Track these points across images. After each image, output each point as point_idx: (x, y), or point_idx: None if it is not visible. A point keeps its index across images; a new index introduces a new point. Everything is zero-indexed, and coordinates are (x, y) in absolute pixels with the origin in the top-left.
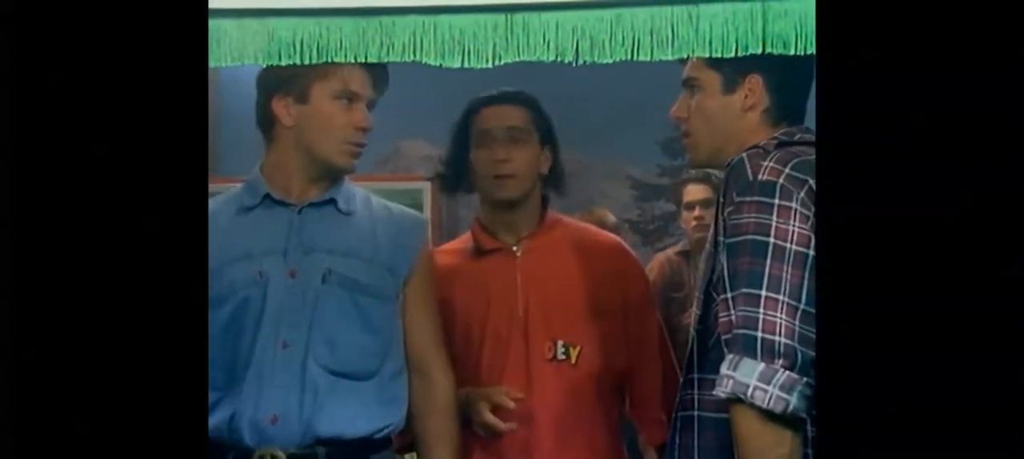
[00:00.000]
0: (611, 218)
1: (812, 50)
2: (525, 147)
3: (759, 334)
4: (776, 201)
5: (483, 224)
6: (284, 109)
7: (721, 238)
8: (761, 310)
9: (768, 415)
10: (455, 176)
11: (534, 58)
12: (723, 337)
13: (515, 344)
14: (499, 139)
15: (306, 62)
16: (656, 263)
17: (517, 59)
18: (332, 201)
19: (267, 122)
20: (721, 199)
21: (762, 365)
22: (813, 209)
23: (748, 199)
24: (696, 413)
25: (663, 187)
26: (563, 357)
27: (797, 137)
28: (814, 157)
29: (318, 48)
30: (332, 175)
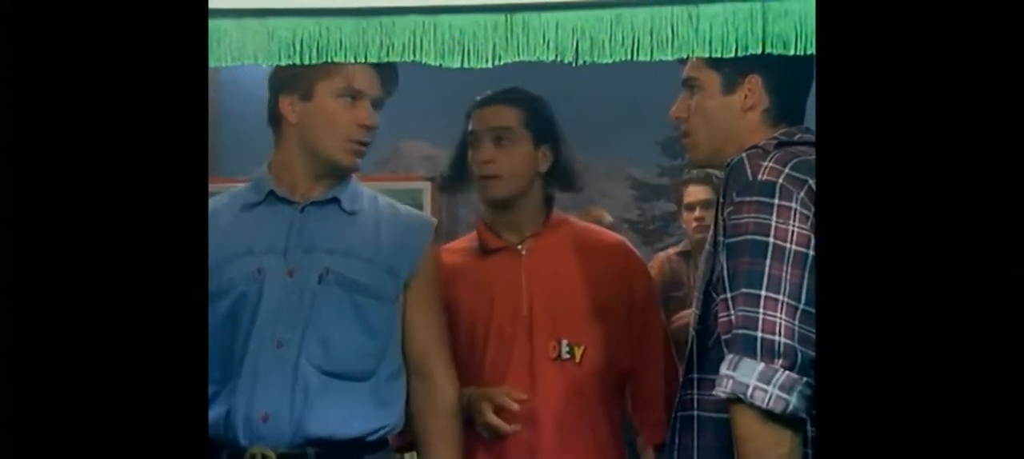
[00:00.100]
0: (607, 218)
1: (812, 50)
2: (512, 148)
3: (759, 334)
4: (776, 201)
5: (488, 224)
6: (289, 107)
7: (721, 238)
8: (761, 310)
9: (768, 415)
10: (455, 176)
11: (534, 58)
12: (723, 337)
13: (519, 343)
14: (484, 140)
15: (306, 62)
16: (656, 263)
17: (517, 59)
18: (335, 200)
19: (275, 120)
20: (721, 199)
21: (762, 365)
22: (813, 209)
23: (748, 199)
24: (696, 413)
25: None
26: (568, 356)
27: (797, 137)
28: (814, 157)
29: (318, 48)
30: (336, 173)
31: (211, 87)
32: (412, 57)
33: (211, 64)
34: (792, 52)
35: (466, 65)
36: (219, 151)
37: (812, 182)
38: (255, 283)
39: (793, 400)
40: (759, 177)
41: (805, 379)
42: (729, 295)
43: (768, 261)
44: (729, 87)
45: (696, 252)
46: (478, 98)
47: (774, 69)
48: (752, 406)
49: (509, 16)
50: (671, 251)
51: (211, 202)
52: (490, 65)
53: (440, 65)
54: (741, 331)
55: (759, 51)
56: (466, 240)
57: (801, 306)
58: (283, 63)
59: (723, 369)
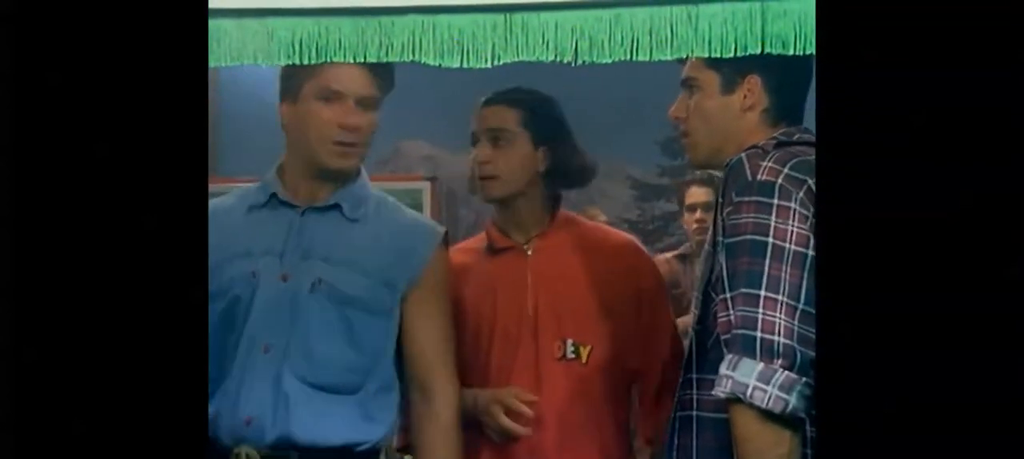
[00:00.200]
0: (603, 217)
1: (811, 50)
2: (509, 148)
3: (758, 334)
4: (775, 201)
5: (497, 223)
6: (284, 109)
7: (720, 238)
8: (760, 310)
9: (767, 415)
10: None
11: (533, 58)
12: (722, 337)
13: (524, 343)
14: (481, 141)
15: (305, 62)
16: None
17: (516, 59)
18: (337, 207)
19: (281, 123)
20: (720, 199)
21: (761, 365)
22: (812, 209)
23: (747, 199)
24: (695, 413)
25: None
26: (573, 356)
27: (796, 137)
28: (813, 157)
29: (317, 48)
30: (334, 177)
31: (211, 87)
32: (411, 57)
33: (211, 64)
34: (791, 52)
35: (465, 65)
36: (219, 151)
37: (811, 182)
38: (249, 286)
39: (792, 400)
40: (758, 177)
41: (804, 379)
42: (728, 295)
43: (767, 261)
44: (728, 87)
45: (697, 254)
46: (482, 98)
47: (773, 69)
48: (751, 406)
49: (508, 16)
50: (669, 254)
51: (217, 201)
52: (489, 65)
53: (439, 65)
54: (740, 331)
55: (758, 51)
56: (476, 240)
57: (800, 306)
58: (283, 63)
59: (722, 369)
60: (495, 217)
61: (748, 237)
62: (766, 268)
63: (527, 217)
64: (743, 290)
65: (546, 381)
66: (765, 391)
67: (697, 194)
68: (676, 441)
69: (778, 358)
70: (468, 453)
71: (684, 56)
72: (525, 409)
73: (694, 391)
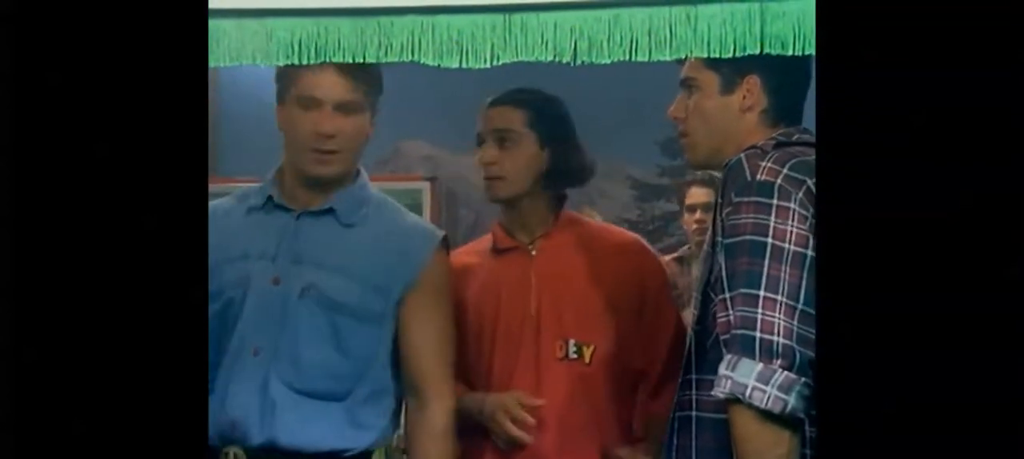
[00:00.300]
0: (598, 217)
1: (810, 51)
2: (515, 149)
3: (757, 334)
4: (774, 201)
5: (503, 224)
6: (278, 112)
7: (719, 238)
8: (759, 310)
9: (766, 415)
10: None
11: (532, 58)
12: (721, 337)
13: (526, 343)
14: (487, 141)
15: (304, 62)
16: None
17: (515, 59)
18: (331, 211)
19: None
20: (719, 200)
21: (760, 365)
22: (811, 209)
23: (746, 199)
24: (694, 414)
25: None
26: (575, 356)
27: (795, 138)
28: (812, 158)
29: (316, 48)
30: (321, 183)
31: (211, 87)
32: (410, 57)
33: (211, 64)
34: (790, 52)
35: (464, 65)
36: (219, 151)
37: (810, 182)
38: (241, 288)
39: (792, 400)
40: (757, 177)
41: (803, 379)
42: (727, 295)
43: (767, 261)
44: (728, 87)
45: (695, 255)
46: (488, 99)
47: (773, 69)
48: (751, 406)
49: (507, 16)
50: (666, 257)
51: (217, 203)
52: (488, 65)
53: (438, 65)
54: (740, 331)
55: (757, 51)
56: (483, 241)
57: (800, 306)
58: (281, 63)
59: (722, 369)
60: (501, 218)
61: (747, 237)
62: (765, 268)
63: (532, 217)
64: (742, 290)
65: (546, 381)
66: (764, 391)
67: (697, 194)
68: (675, 441)
69: (777, 358)
70: (472, 455)
71: (683, 56)
72: (528, 417)
73: (693, 391)
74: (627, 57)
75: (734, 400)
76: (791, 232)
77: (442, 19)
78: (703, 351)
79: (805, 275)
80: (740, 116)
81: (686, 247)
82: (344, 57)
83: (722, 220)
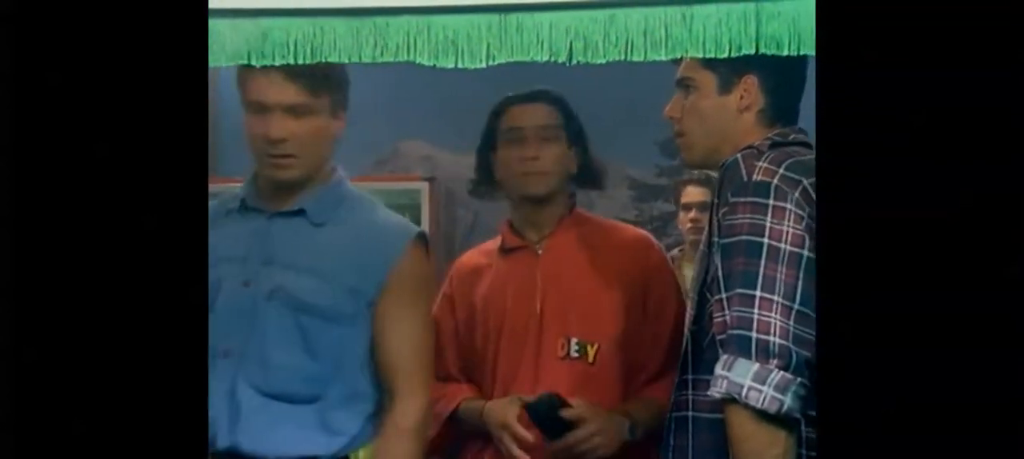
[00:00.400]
0: None
1: (805, 51)
2: (554, 145)
3: (754, 334)
4: (770, 201)
5: (512, 223)
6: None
7: (715, 238)
8: (756, 311)
9: (763, 416)
10: (484, 181)
11: (528, 58)
12: (718, 337)
13: (530, 342)
14: (529, 137)
15: (299, 62)
16: None
17: (511, 59)
18: (302, 212)
19: None
20: (715, 199)
21: (757, 365)
22: (807, 210)
23: (742, 199)
24: (691, 414)
25: (661, 187)
26: (577, 355)
27: (791, 138)
28: (808, 157)
29: (312, 49)
30: (289, 185)
31: (211, 87)
32: (406, 57)
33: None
34: (785, 53)
35: (460, 65)
36: (219, 151)
37: (807, 182)
38: (214, 291)
39: (788, 400)
40: (754, 177)
41: (800, 379)
42: (724, 295)
43: (763, 261)
44: (725, 87)
45: (688, 256)
46: (508, 97)
47: (770, 69)
48: (747, 406)
49: (503, 16)
50: None
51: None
52: (484, 65)
53: (434, 65)
54: (736, 331)
55: (752, 52)
56: (493, 241)
57: (796, 306)
58: (277, 64)
59: (718, 370)
60: (512, 217)
61: (744, 237)
62: (761, 268)
63: (548, 216)
64: (739, 290)
65: (545, 380)
66: (760, 391)
67: (693, 194)
68: (672, 442)
69: (773, 358)
70: (472, 454)
71: (678, 57)
72: (525, 434)
73: (690, 392)
74: (623, 57)
75: (730, 400)
76: (787, 232)
77: (438, 19)
78: (700, 351)
79: (801, 275)
80: (737, 116)
81: (678, 248)
82: (339, 58)
83: (718, 220)
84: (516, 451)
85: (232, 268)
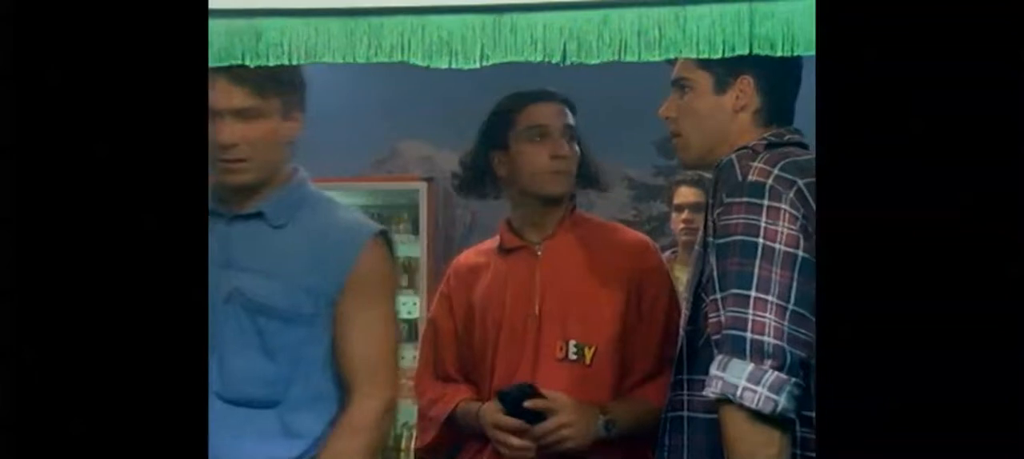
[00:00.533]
0: None
1: (798, 52)
2: (573, 145)
3: (748, 335)
4: (765, 202)
5: (511, 223)
6: None
7: (710, 239)
8: (750, 311)
9: (757, 416)
10: (481, 176)
11: (522, 59)
12: (713, 338)
13: (528, 343)
14: (556, 136)
15: (293, 62)
16: None
17: (505, 60)
18: (261, 214)
19: None
20: (710, 200)
21: (751, 366)
22: (802, 210)
23: (737, 200)
24: (685, 414)
25: (659, 187)
26: (575, 357)
27: (786, 138)
28: (803, 158)
29: (306, 49)
30: (245, 189)
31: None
32: (400, 58)
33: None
34: (779, 53)
35: (454, 66)
36: None
37: (801, 183)
38: None
39: (782, 401)
40: (749, 178)
41: (794, 379)
42: (718, 296)
43: (757, 262)
44: (721, 87)
45: (682, 258)
46: (521, 94)
47: (766, 70)
48: (741, 407)
49: (497, 17)
50: None
51: None
52: (478, 66)
53: (428, 66)
54: (730, 332)
55: (746, 52)
56: (491, 242)
57: (790, 307)
58: (271, 64)
59: (713, 370)
60: (512, 217)
61: (738, 238)
62: (756, 269)
63: (551, 217)
64: (733, 291)
65: (543, 381)
66: (755, 392)
67: (685, 194)
68: (667, 442)
69: (768, 359)
70: (470, 455)
71: (672, 57)
72: (512, 422)
73: (685, 392)
74: (616, 57)
75: (725, 400)
76: (782, 232)
77: (432, 20)
78: (694, 351)
79: (796, 275)
80: (733, 116)
81: (671, 251)
82: (333, 58)
83: (713, 220)
84: (512, 440)
85: None
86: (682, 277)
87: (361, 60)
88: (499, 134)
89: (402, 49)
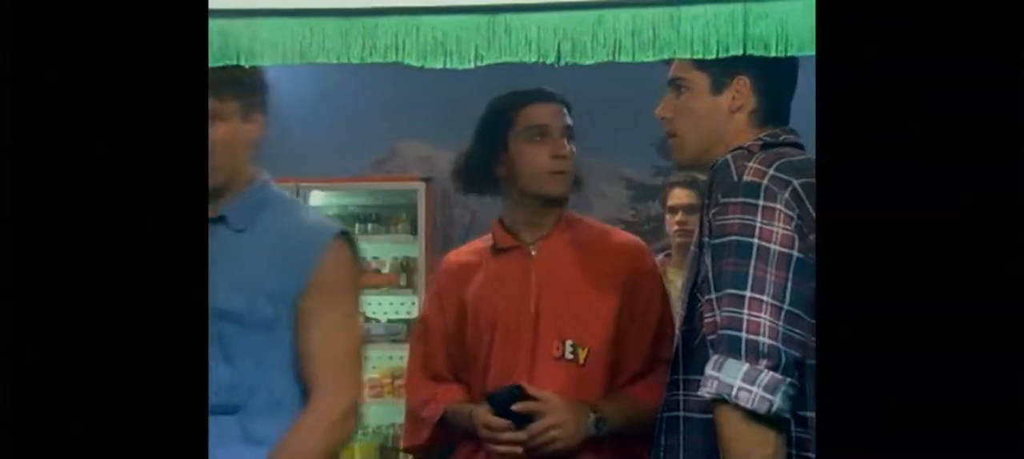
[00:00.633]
0: None
1: (792, 52)
2: (573, 145)
3: (743, 335)
4: (760, 202)
5: (504, 223)
6: None
7: (706, 239)
8: (745, 311)
9: (752, 416)
10: (480, 175)
11: (516, 59)
12: (708, 338)
13: (524, 342)
14: (556, 136)
15: (288, 63)
16: None
17: (499, 60)
18: (223, 219)
19: None
20: (705, 200)
21: (746, 366)
22: (797, 210)
23: (733, 200)
24: (681, 414)
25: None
26: (571, 357)
27: (782, 138)
28: (799, 158)
29: (301, 49)
30: (216, 194)
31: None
32: (395, 58)
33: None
34: (772, 54)
35: (448, 66)
36: None
37: (797, 183)
38: None
39: (777, 401)
40: (744, 178)
41: (789, 380)
42: (714, 296)
43: (753, 262)
44: (717, 88)
45: (676, 260)
46: (519, 93)
47: (762, 70)
48: (737, 407)
49: (491, 17)
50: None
51: None
52: (472, 66)
53: (422, 66)
54: (726, 332)
55: (740, 52)
56: (482, 241)
57: (785, 307)
58: (267, 64)
59: (708, 370)
60: (504, 217)
61: (733, 238)
62: (751, 269)
63: (547, 217)
64: (728, 291)
65: (539, 380)
66: (750, 392)
67: (679, 196)
68: (663, 442)
69: (763, 359)
70: (464, 455)
71: (666, 57)
72: (501, 422)
73: (681, 392)
74: (610, 58)
75: (720, 400)
76: (777, 233)
77: (426, 20)
78: (690, 351)
79: (791, 275)
80: (729, 116)
81: (664, 253)
82: (328, 58)
83: (709, 221)
84: (502, 440)
85: None
86: (676, 279)
87: (355, 60)
88: (498, 133)
89: (396, 49)
